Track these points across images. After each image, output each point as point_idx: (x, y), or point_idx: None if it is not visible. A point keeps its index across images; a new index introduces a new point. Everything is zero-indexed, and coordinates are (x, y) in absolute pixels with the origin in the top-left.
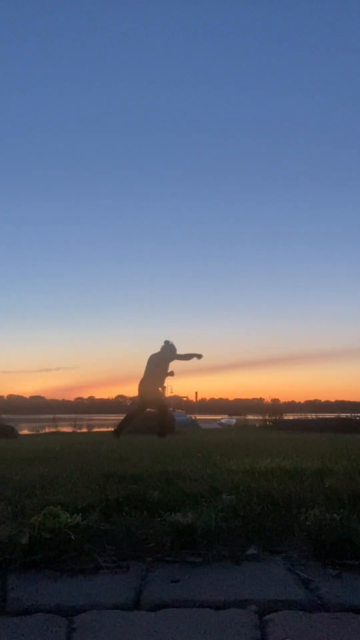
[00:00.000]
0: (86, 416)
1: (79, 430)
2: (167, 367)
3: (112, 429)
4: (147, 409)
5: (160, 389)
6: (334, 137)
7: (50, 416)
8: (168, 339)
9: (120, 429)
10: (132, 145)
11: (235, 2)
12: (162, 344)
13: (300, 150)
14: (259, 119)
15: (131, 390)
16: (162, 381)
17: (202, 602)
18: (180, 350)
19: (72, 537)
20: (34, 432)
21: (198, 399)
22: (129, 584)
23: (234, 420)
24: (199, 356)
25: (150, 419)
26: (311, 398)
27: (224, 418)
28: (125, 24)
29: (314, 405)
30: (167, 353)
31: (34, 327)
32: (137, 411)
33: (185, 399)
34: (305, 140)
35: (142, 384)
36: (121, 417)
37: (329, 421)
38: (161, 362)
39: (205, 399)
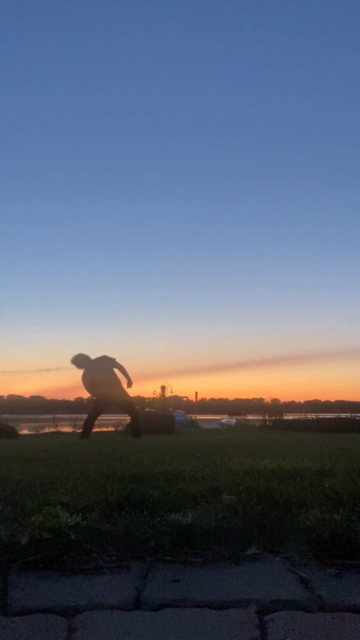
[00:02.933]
0: (86, 416)
1: (79, 431)
2: (112, 369)
3: (80, 432)
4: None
5: (124, 388)
6: (335, 136)
7: (50, 416)
8: (74, 355)
9: (87, 432)
10: (131, 144)
11: (236, 2)
12: (77, 360)
13: (301, 150)
14: (259, 119)
15: (131, 390)
16: (119, 381)
17: (202, 602)
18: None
19: (72, 537)
20: (34, 432)
21: (198, 399)
22: (129, 584)
23: (234, 420)
24: (129, 384)
25: (150, 419)
26: (311, 398)
27: (224, 418)
28: (125, 23)
29: (314, 405)
30: (100, 359)
31: (34, 327)
32: (96, 413)
33: (185, 399)
34: (306, 140)
35: (102, 387)
36: (121, 417)
37: (329, 421)
38: (105, 367)
39: (205, 399)
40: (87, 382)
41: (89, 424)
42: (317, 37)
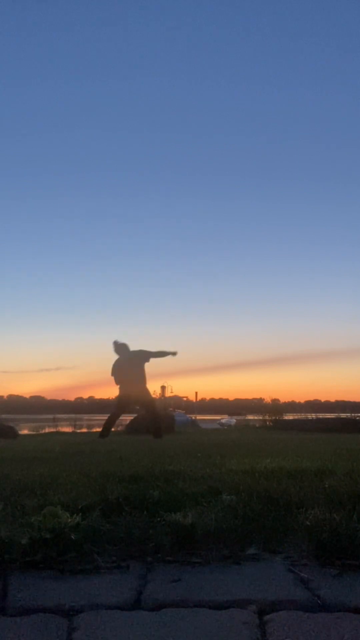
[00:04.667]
0: (86, 416)
1: (79, 430)
2: (143, 365)
3: (99, 431)
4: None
5: (147, 387)
6: (336, 135)
7: (50, 416)
8: (116, 340)
9: (106, 431)
10: (130, 142)
11: (237, 1)
12: (117, 346)
13: (301, 149)
14: (259, 118)
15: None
16: (145, 379)
17: (202, 602)
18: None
19: (72, 537)
20: (34, 432)
21: (198, 399)
22: (129, 584)
23: (234, 420)
24: (174, 354)
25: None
26: (311, 398)
27: (224, 418)
28: (125, 22)
29: (314, 405)
30: (135, 354)
31: (34, 327)
32: (118, 412)
33: (185, 399)
34: (306, 139)
35: (126, 386)
36: (122, 416)
37: (329, 421)
38: (137, 362)
39: (205, 399)
40: (115, 373)
41: (109, 424)
42: (318, 35)
